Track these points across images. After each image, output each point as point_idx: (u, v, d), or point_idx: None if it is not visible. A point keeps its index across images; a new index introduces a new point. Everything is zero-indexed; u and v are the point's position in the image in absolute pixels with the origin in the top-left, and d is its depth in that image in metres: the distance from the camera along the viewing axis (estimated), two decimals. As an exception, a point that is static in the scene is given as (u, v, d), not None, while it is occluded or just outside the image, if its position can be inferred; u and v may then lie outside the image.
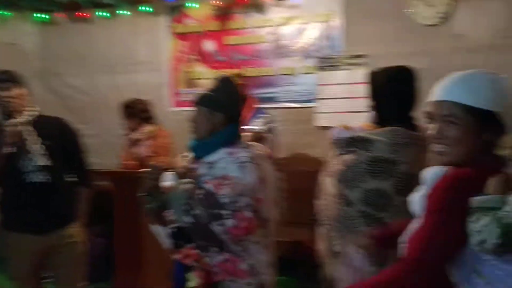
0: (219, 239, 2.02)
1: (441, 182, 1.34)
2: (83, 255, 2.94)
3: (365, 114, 4.09)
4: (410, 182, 2.11)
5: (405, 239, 1.41)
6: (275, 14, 4.55)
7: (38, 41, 5.24)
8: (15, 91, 2.72)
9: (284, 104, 4.57)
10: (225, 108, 2.17)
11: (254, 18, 4.62)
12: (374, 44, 4.25)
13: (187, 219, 2.04)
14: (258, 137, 2.62)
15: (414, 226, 1.39)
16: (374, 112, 2.23)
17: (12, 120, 2.68)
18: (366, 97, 4.06)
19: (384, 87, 2.19)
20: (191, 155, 2.27)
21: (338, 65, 4.37)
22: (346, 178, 2.11)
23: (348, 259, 2.11)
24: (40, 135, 2.75)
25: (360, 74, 4.26)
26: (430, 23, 4.12)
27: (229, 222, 1.99)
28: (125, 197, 3.61)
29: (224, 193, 2.01)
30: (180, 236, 2.11)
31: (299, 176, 4.40)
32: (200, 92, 2.27)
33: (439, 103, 1.38)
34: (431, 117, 1.40)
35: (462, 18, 4.04)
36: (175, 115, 4.88)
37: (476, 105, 1.32)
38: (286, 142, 4.49)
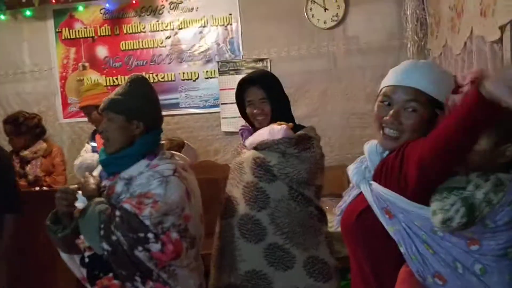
0: (144, 266, 1.74)
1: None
2: None
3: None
4: None
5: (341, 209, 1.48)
6: (172, 17, 4.40)
7: None
8: None
9: (187, 110, 4.43)
10: (144, 115, 1.89)
11: (150, 22, 4.42)
12: (273, 47, 4.28)
13: (104, 246, 1.72)
14: (177, 145, 2.40)
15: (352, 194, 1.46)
16: (269, 115, 2.18)
17: None
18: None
19: (280, 89, 2.23)
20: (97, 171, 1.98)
21: (239, 69, 4.32)
22: (308, 177, 2.10)
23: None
24: None
25: (262, 77, 4.27)
26: (326, 26, 4.23)
27: (155, 247, 1.71)
28: (31, 221, 3.26)
29: (147, 213, 1.71)
30: (97, 265, 1.81)
31: (206, 184, 4.28)
32: (110, 97, 1.91)
33: (400, 88, 1.35)
34: (389, 101, 1.37)
35: (354, 21, 4.21)
36: (68, 127, 4.53)
37: (435, 96, 1.32)
38: (191, 149, 4.37)
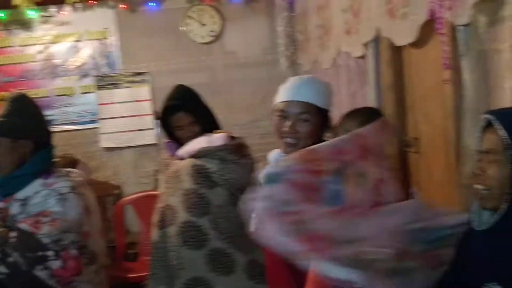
0: (45, 285, 1.69)
1: None
2: None
3: (151, 131, 4.18)
4: None
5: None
6: (44, 31, 4.20)
7: None
8: None
9: (63, 127, 4.25)
10: (31, 133, 1.83)
11: (19, 36, 4.18)
12: (153, 60, 4.30)
13: (1, 269, 1.66)
14: (70, 162, 2.31)
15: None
16: (198, 125, 2.22)
17: None
18: (150, 114, 4.08)
19: (199, 100, 2.27)
20: None
21: (118, 83, 4.27)
22: (247, 182, 2.09)
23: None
24: None
25: (142, 92, 4.27)
26: (203, 41, 4.36)
27: (55, 264, 1.69)
28: None
29: (45, 232, 1.68)
30: None
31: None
32: None
33: (295, 103, 1.62)
34: (284, 114, 1.63)
35: (231, 36, 4.40)
36: None
37: (321, 106, 1.63)
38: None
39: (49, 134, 1.93)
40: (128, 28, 4.28)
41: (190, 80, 4.24)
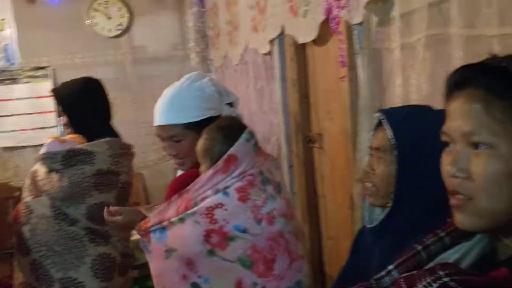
0: None
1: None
2: None
3: (54, 129, 3.95)
4: (129, 191, 2.16)
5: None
6: None
7: None
8: None
9: (-45, 125, 3.91)
10: None
11: None
12: (56, 54, 4.07)
13: None
14: None
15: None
16: (71, 126, 2.10)
17: None
18: (55, 112, 3.88)
19: (77, 100, 2.09)
20: None
21: (16, 78, 3.99)
22: (70, 195, 1.95)
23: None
24: None
25: (43, 87, 4.02)
26: (110, 35, 4.19)
27: None
28: None
29: None
30: None
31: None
32: None
33: (161, 128, 1.55)
34: (161, 138, 1.56)
35: (139, 31, 4.27)
36: None
37: (190, 120, 1.51)
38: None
39: None
40: (27, 20, 4.01)
41: (96, 75, 4.05)
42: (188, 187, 1.39)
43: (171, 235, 1.35)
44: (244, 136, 1.41)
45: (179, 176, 1.63)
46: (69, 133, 2.12)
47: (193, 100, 1.53)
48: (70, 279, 1.96)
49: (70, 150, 1.99)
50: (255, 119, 2.99)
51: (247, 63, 3.12)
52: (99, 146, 2.04)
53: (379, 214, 1.11)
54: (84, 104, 2.10)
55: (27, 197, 2.02)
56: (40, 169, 2.01)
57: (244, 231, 1.31)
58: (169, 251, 1.35)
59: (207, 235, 1.30)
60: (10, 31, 3.99)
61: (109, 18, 4.17)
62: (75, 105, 2.09)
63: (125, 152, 2.11)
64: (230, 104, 1.61)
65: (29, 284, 2.00)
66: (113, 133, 2.15)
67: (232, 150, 1.37)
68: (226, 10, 3.44)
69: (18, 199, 3.85)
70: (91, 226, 2.00)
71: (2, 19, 3.97)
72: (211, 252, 1.31)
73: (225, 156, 1.36)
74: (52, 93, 2.18)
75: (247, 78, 3.15)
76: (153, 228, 1.39)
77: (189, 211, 1.33)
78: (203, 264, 1.32)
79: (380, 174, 1.07)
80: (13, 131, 3.99)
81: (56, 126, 3.99)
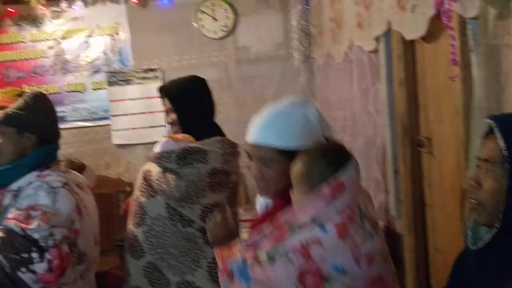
0: None
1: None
2: None
3: (163, 128, 4.12)
4: (237, 191, 2.14)
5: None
6: (54, 27, 4.18)
7: None
8: None
9: (75, 123, 4.23)
10: (39, 129, 1.81)
11: (30, 32, 4.16)
12: (164, 56, 4.25)
13: None
14: (78, 167, 2.25)
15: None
16: (179, 124, 2.11)
17: None
18: (163, 111, 3.99)
19: (187, 98, 2.11)
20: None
21: (129, 80, 4.22)
22: (186, 195, 1.93)
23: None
24: None
25: (153, 88, 4.20)
26: (216, 36, 4.27)
27: (40, 267, 1.61)
28: None
29: (35, 226, 1.62)
30: None
31: (98, 199, 4.11)
32: (4, 111, 1.79)
33: (254, 146, 1.40)
34: (249, 156, 1.44)
35: (244, 31, 4.30)
36: None
37: (288, 147, 1.35)
38: (81, 164, 4.18)
39: (55, 133, 1.91)
40: (140, 24, 4.23)
41: (202, 76, 4.25)
42: (282, 213, 1.29)
43: (258, 276, 1.23)
44: (353, 164, 1.26)
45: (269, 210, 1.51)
46: (176, 132, 2.15)
47: (295, 125, 1.38)
48: (187, 283, 1.95)
49: (185, 148, 1.99)
50: (358, 121, 2.86)
51: (351, 62, 2.99)
52: (212, 144, 2.02)
53: (484, 234, 0.97)
54: (193, 102, 2.11)
55: (140, 197, 2.03)
56: (154, 169, 2.02)
57: (342, 271, 1.17)
58: None
59: (301, 276, 1.17)
60: (124, 35, 4.22)
61: (215, 19, 4.25)
62: (185, 103, 2.10)
63: (233, 151, 2.07)
64: (326, 140, 1.44)
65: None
66: (219, 132, 2.14)
67: (340, 176, 1.22)
68: (330, 6, 3.33)
69: (129, 194, 4.09)
70: (206, 227, 1.99)
71: (117, 23, 4.21)
72: None
73: (332, 182, 1.21)
74: (160, 91, 2.20)
75: (351, 77, 3.02)
76: (235, 266, 1.28)
77: (280, 246, 1.21)
78: None
79: (488, 189, 0.93)
80: (125, 129, 4.23)
81: (164, 126, 4.16)
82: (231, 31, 4.28)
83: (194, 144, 2.02)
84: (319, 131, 1.40)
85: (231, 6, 4.26)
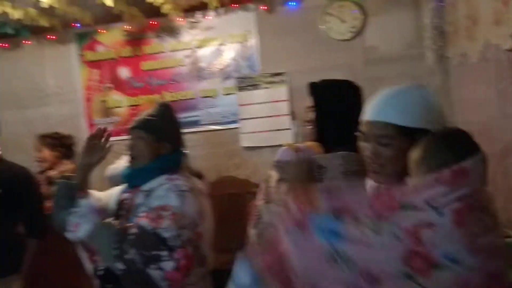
0: (156, 286, 1.75)
1: None
2: None
3: (289, 131, 4.17)
4: None
5: None
6: (190, 36, 4.46)
7: None
8: None
9: (207, 127, 4.47)
10: (171, 137, 2.00)
11: (169, 42, 4.49)
12: (290, 60, 4.29)
13: (119, 265, 1.76)
14: (195, 174, 2.40)
15: None
16: (314, 125, 2.00)
17: None
18: (288, 115, 4.00)
19: (333, 100, 1.96)
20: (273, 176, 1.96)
21: (257, 84, 4.35)
22: None
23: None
24: None
25: (280, 92, 4.29)
26: (343, 38, 4.21)
27: (168, 265, 1.74)
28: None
29: (165, 226, 1.76)
30: (110, 279, 1.83)
31: (227, 199, 4.31)
32: (142, 117, 2.03)
33: (372, 123, 1.37)
34: (365, 136, 1.38)
35: (372, 32, 4.18)
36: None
37: (408, 125, 1.32)
38: (212, 165, 4.41)
39: (183, 140, 2.09)
40: (268, 29, 4.33)
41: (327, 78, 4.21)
42: (392, 190, 1.22)
43: (354, 237, 1.16)
44: (481, 156, 1.19)
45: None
46: (308, 132, 2.05)
47: (415, 106, 1.35)
48: None
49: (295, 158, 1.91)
50: (495, 125, 2.62)
51: (488, 61, 2.75)
52: (332, 160, 1.89)
53: None
54: (335, 105, 1.97)
55: (259, 200, 2.05)
56: (274, 175, 2.01)
57: (454, 260, 1.10)
58: (339, 258, 1.17)
59: (408, 257, 1.11)
60: (253, 42, 4.36)
61: (343, 21, 4.20)
62: (327, 104, 1.98)
63: (360, 169, 1.86)
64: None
65: None
66: (352, 147, 2.01)
67: (465, 163, 1.16)
68: (465, 2, 3.10)
69: (254, 194, 4.21)
70: None
71: (247, 31, 4.36)
72: (408, 276, 1.12)
73: (454, 167, 1.15)
74: (309, 87, 2.05)
75: (488, 78, 2.78)
76: (318, 220, 1.22)
77: (387, 221, 1.14)
78: (395, 286, 1.13)
79: None
80: (253, 132, 4.36)
81: (290, 129, 4.21)
82: (359, 32, 4.19)
83: (314, 157, 1.92)
84: (439, 116, 1.35)
85: (360, 6, 4.16)
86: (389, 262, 1.12)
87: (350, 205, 1.23)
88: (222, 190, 4.32)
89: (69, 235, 1.85)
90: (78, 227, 1.84)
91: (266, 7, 4.29)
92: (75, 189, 1.87)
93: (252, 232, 2.04)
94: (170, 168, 1.97)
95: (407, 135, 1.31)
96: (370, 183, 1.54)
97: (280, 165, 1.95)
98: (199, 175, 2.24)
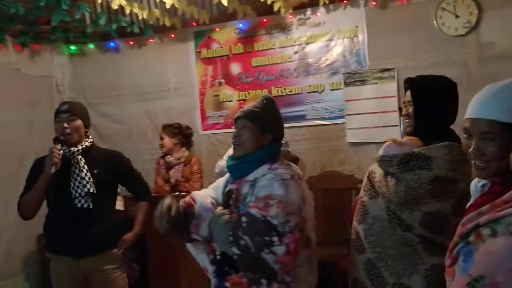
0: (269, 268, 1.89)
1: None
2: (120, 281, 2.94)
3: (396, 128, 4.13)
4: (465, 201, 2.06)
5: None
6: (300, 33, 4.58)
7: (69, 73, 5.39)
8: (73, 123, 2.80)
9: (313, 121, 4.56)
10: (274, 129, 2.13)
11: (279, 38, 4.65)
12: (400, 56, 4.23)
13: (234, 251, 1.92)
14: (293, 159, 2.54)
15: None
16: (412, 119, 2.07)
17: (56, 145, 2.72)
18: (396, 111, 3.95)
19: (432, 96, 2.04)
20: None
21: (365, 80, 4.35)
22: (405, 201, 1.93)
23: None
24: (90, 164, 2.83)
25: (388, 88, 4.25)
26: (457, 34, 4.08)
27: (279, 249, 1.86)
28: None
29: (274, 213, 1.88)
30: (228, 263, 2.00)
31: (331, 194, 4.37)
32: (248, 108, 2.18)
33: (476, 121, 1.37)
34: (469, 133, 1.41)
35: (488, 27, 3.99)
36: (205, 139, 4.94)
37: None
38: (317, 159, 4.49)
39: (283, 132, 2.23)
40: (377, 25, 4.31)
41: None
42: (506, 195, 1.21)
43: (479, 257, 1.13)
44: None
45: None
46: (408, 127, 2.11)
47: None
48: (403, 286, 1.96)
49: (407, 154, 1.95)
50: None
51: None
52: (438, 150, 1.95)
53: None
54: (434, 100, 2.04)
55: (364, 196, 2.12)
56: (377, 170, 2.06)
57: None
58: (473, 283, 1.12)
59: None
60: (362, 37, 4.37)
61: (457, 16, 4.06)
62: (426, 98, 2.05)
63: (463, 158, 1.91)
64: None
65: (361, 281, 2.09)
66: (453, 137, 2.03)
67: None
68: None
69: (358, 191, 4.21)
70: (426, 234, 1.95)
71: (356, 26, 4.38)
72: None
73: None
74: (405, 82, 2.18)
75: None
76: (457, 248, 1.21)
77: (502, 220, 1.12)
78: None
79: None
80: (359, 128, 4.37)
81: (398, 125, 4.16)
82: (474, 27, 4.02)
83: (418, 149, 1.97)
84: None
85: (475, 1, 4.00)
86: (507, 260, 1.09)
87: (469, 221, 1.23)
88: (326, 184, 4.38)
89: (193, 236, 2.07)
90: (199, 228, 2.06)
91: (376, 3, 4.28)
92: (182, 222, 2.07)
93: (359, 227, 2.10)
94: (271, 158, 2.10)
95: (510, 131, 1.31)
96: (474, 181, 1.56)
97: (385, 160, 2.00)
98: (295, 160, 2.36)
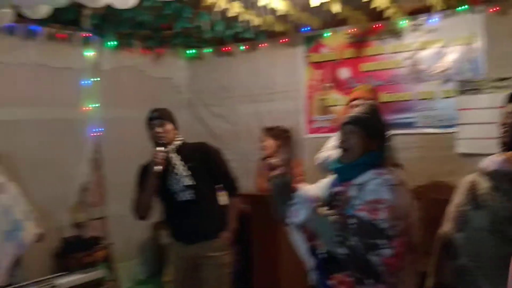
0: (375, 270, 1.94)
1: None
2: (227, 266, 3.26)
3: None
4: None
5: None
6: (412, 38, 4.48)
7: (188, 75, 5.78)
8: (165, 127, 3.18)
9: (422, 129, 4.45)
10: (380, 135, 2.17)
11: (390, 44, 4.60)
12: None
13: (341, 250, 1.99)
14: (395, 164, 2.54)
15: None
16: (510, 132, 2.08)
17: (159, 148, 3.12)
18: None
19: None
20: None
21: (480, 89, 4.16)
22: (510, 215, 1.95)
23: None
24: (184, 159, 3.19)
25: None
26: None
27: (387, 252, 1.91)
28: (262, 220, 3.79)
29: (382, 217, 1.93)
30: (333, 262, 2.06)
31: (438, 204, 4.20)
32: (355, 114, 2.22)
33: None
34: None
35: None
36: (310, 142, 5.01)
37: None
38: (424, 169, 4.37)
39: (388, 138, 2.25)
40: (498, 32, 4.09)
41: None
42: None
43: None
44: None
45: None
46: (505, 138, 2.08)
47: None
48: None
49: None
50: None
51: None
52: None
53: None
54: None
55: (463, 205, 2.13)
56: (483, 183, 2.08)
57: None
58: None
59: None
60: (479, 44, 4.18)
61: None
62: None
63: None
64: None
65: (445, 284, 2.12)
66: None
67: None
68: None
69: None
70: None
71: (473, 34, 4.19)
72: None
73: None
74: (509, 95, 2.21)
75: None
76: None
77: None
78: None
79: None
80: (471, 138, 4.18)
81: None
82: None
83: None
84: None
85: None
86: None
87: None
88: (432, 195, 4.24)
89: (290, 221, 2.16)
90: (297, 213, 2.14)
91: (497, 8, 4.07)
92: (289, 184, 2.16)
93: (457, 235, 2.08)
94: (377, 163, 2.13)
95: None
96: None
97: (499, 175, 2.00)
98: (398, 166, 2.36)
